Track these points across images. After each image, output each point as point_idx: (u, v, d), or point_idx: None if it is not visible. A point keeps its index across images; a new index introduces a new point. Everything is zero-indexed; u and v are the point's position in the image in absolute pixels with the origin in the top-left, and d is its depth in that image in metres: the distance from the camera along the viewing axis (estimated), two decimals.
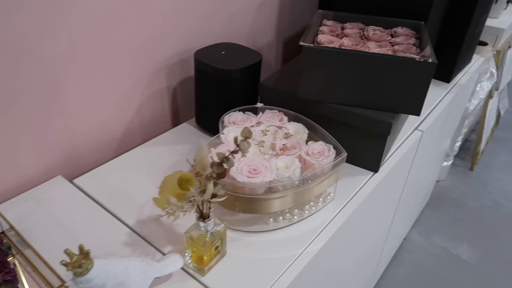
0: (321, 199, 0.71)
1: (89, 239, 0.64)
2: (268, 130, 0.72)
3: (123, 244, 0.63)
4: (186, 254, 0.59)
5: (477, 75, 1.46)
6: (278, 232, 0.67)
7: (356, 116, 0.76)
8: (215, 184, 0.51)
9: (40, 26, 0.64)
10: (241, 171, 0.61)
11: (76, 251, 0.44)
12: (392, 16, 0.91)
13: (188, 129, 0.94)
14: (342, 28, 0.88)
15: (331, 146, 0.69)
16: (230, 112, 0.77)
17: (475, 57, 1.34)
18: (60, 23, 0.67)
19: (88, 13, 0.70)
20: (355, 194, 0.77)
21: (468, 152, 2.20)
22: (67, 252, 0.43)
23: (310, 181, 0.66)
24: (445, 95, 1.13)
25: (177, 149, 0.86)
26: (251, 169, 0.62)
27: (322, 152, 0.67)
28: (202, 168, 0.50)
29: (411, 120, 0.97)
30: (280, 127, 0.74)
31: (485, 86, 1.73)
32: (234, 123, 0.74)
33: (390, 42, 0.82)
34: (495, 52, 1.79)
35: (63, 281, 0.53)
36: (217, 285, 0.57)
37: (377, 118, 0.74)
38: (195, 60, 0.84)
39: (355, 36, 0.84)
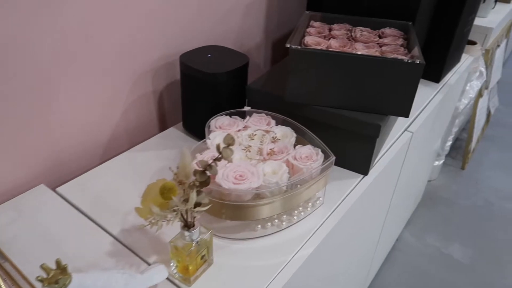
0: (310, 204, 0.70)
1: (71, 250, 0.62)
2: (255, 135, 0.71)
3: (107, 255, 0.61)
4: (171, 264, 0.57)
5: (466, 74, 1.46)
6: (266, 239, 0.66)
7: (344, 119, 0.75)
8: (198, 193, 0.49)
9: (21, 30, 0.62)
10: (227, 177, 0.60)
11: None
12: (379, 16, 0.90)
13: (175, 134, 0.92)
14: (330, 30, 0.87)
15: (319, 150, 0.67)
16: (216, 116, 0.75)
17: (464, 56, 1.34)
18: (40, 27, 0.65)
19: (68, 16, 0.68)
20: (344, 198, 0.75)
21: (459, 151, 2.21)
22: (43, 267, 0.42)
23: (299, 185, 0.65)
24: (435, 95, 1.12)
25: (164, 154, 0.84)
26: (237, 175, 0.60)
27: (310, 156, 0.66)
28: (185, 176, 0.48)
29: (400, 122, 0.96)
30: (267, 131, 0.72)
31: (475, 85, 1.74)
32: (220, 128, 0.73)
33: (377, 43, 0.81)
34: (484, 51, 1.79)
35: None
36: None
37: (366, 120, 0.73)
38: (181, 63, 0.82)
39: (343, 37, 0.83)
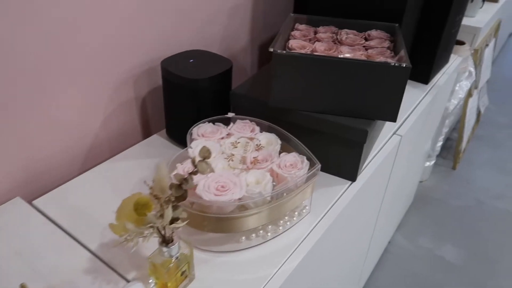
0: (296, 213, 0.68)
1: (46, 266, 0.59)
2: (239, 142, 0.69)
3: (84, 272, 0.59)
4: (150, 281, 0.55)
5: (455, 75, 1.45)
6: (251, 251, 0.63)
7: (330, 124, 0.73)
8: (175, 207, 0.47)
9: None
10: (208, 188, 0.57)
11: (31, 282, 0.40)
12: (366, 18, 0.88)
13: (159, 141, 0.89)
14: (315, 32, 0.85)
15: (305, 158, 0.65)
16: (199, 123, 0.73)
17: (452, 57, 1.33)
18: (15, 32, 0.62)
19: (46, 23, 0.66)
20: (332, 206, 0.73)
21: (450, 151, 2.20)
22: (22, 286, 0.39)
23: (285, 194, 0.63)
24: (424, 97, 1.11)
25: (146, 163, 0.82)
26: (219, 186, 0.58)
27: (295, 164, 0.64)
28: (161, 190, 0.46)
29: (389, 125, 0.94)
30: (251, 139, 0.70)
31: (464, 85, 1.73)
32: (203, 136, 0.70)
33: (363, 46, 0.79)
34: (473, 51, 1.79)
35: None
36: None
37: (352, 125, 0.71)
38: (162, 69, 0.80)
39: (328, 40, 0.81)
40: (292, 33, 0.83)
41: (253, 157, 0.65)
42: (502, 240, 1.71)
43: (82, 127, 0.81)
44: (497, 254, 1.64)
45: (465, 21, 1.73)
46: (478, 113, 2.36)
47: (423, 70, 1.13)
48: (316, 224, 0.69)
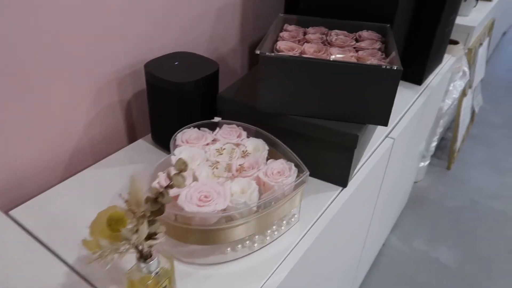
0: (284, 222, 0.65)
1: (21, 281, 0.56)
2: (224, 149, 0.66)
3: (60, 287, 0.56)
4: None
5: (449, 75, 1.43)
6: (237, 263, 0.61)
7: (319, 129, 0.70)
8: (152, 222, 0.44)
9: None
10: (190, 199, 0.55)
11: None
12: (357, 19, 0.86)
13: (144, 146, 0.86)
14: (304, 33, 0.83)
15: (292, 165, 0.63)
16: (183, 129, 0.70)
17: (446, 56, 1.30)
18: None
19: (25, 24, 0.62)
20: (322, 213, 0.71)
21: (444, 150, 2.18)
22: None
23: (272, 203, 0.60)
24: (417, 98, 1.08)
25: (130, 169, 0.79)
26: (202, 196, 0.55)
27: (283, 172, 0.61)
28: (136, 203, 0.43)
29: (381, 128, 0.92)
30: (237, 144, 0.67)
31: (458, 85, 1.71)
32: (187, 142, 0.67)
33: (354, 47, 0.77)
34: (466, 51, 1.77)
35: None
36: None
37: (343, 130, 0.69)
38: (146, 72, 0.77)
39: (318, 41, 0.78)
40: (281, 34, 0.80)
41: (239, 165, 0.62)
42: (497, 241, 1.70)
43: (64, 133, 0.77)
44: (493, 255, 1.63)
45: (459, 20, 1.71)
46: (473, 113, 2.34)
47: (416, 71, 1.11)
48: (306, 233, 0.67)
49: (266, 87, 0.70)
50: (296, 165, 0.63)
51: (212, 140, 0.69)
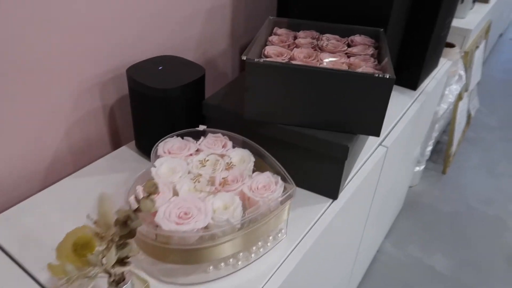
0: (270, 238, 0.62)
1: None
2: (208, 160, 0.62)
3: None
4: None
5: (445, 79, 1.40)
6: (220, 282, 0.57)
7: (309, 139, 0.67)
8: (124, 245, 0.40)
9: None
10: (169, 216, 0.51)
11: None
12: (351, 21, 0.83)
13: (128, 154, 0.83)
14: (295, 37, 0.79)
15: (279, 178, 0.59)
16: (166, 138, 0.67)
17: (442, 60, 1.27)
18: None
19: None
20: (311, 227, 0.68)
21: (440, 154, 2.16)
22: None
23: (259, 218, 0.57)
24: (412, 104, 1.05)
25: (112, 179, 0.75)
26: (181, 212, 0.52)
27: (268, 186, 0.58)
28: (105, 226, 0.39)
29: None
30: (222, 156, 0.64)
31: (454, 89, 1.68)
32: (169, 153, 0.64)
33: (346, 53, 0.74)
34: (463, 54, 1.74)
35: None
36: None
37: (333, 140, 0.66)
38: (128, 77, 0.73)
39: (308, 46, 0.75)
40: (270, 38, 0.77)
41: (222, 178, 0.59)
42: (492, 247, 1.67)
43: (41, 141, 0.74)
44: (488, 261, 1.60)
45: (455, 22, 1.68)
46: (469, 116, 2.32)
47: (411, 76, 1.08)
48: (294, 249, 0.63)
49: (253, 95, 0.67)
50: (283, 179, 0.60)
51: (196, 151, 0.65)
